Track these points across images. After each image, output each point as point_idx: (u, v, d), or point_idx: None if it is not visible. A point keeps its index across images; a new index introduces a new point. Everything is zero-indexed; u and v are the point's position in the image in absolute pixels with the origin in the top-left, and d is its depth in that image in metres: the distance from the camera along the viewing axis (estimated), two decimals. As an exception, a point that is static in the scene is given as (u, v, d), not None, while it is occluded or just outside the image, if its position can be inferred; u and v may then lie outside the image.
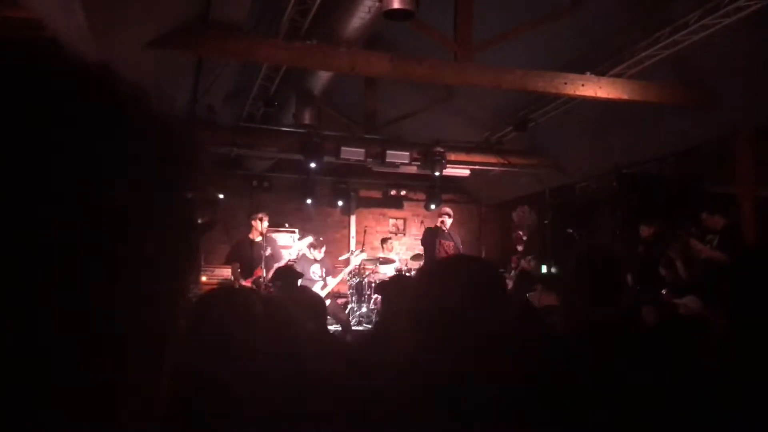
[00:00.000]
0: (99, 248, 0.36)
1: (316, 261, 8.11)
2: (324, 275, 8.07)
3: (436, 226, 8.05)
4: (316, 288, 7.72)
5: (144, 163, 0.39)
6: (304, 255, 8.14)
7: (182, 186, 0.42)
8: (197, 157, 0.44)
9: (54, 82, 0.37)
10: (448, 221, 7.99)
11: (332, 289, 8.20)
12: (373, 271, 9.26)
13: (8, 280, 0.33)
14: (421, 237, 8.48)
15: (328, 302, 7.73)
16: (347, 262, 9.15)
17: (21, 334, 0.33)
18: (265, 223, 7.61)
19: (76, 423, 0.36)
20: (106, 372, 0.37)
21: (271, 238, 7.82)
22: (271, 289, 6.62)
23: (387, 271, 9.16)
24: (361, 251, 9.10)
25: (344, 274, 8.58)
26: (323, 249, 8.23)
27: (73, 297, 0.35)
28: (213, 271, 9.58)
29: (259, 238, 7.51)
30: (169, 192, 0.41)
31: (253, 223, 7.61)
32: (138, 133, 0.40)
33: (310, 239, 8.19)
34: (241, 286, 7.31)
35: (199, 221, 0.45)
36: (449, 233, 7.99)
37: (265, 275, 7.25)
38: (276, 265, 7.29)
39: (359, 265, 9.07)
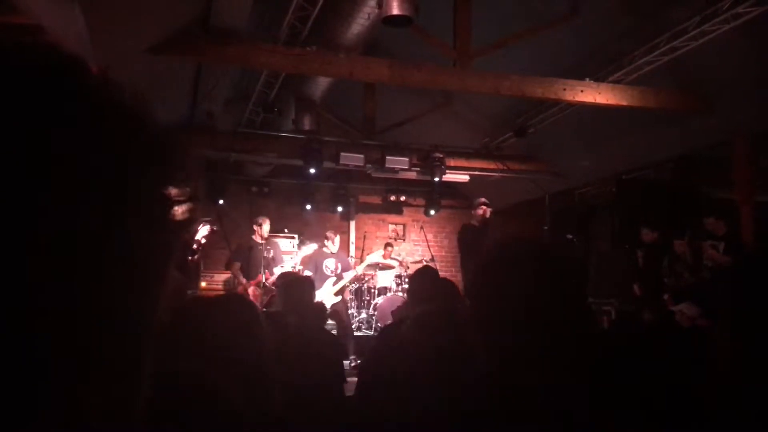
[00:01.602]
0: (74, 246, 0.36)
1: (332, 255, 8.03)
2: (337, 270, 7.95)
3: (476, 224, 6.96)
4: (328, 283, 7.63)
5: (117, 161, 0.39)
6: (319, 249, 8.02)
7: (157, 183, 0.43)
8: (176, 153, 0.44)
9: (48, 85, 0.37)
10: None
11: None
12: (372, 277, 9.25)
13: None
14: (459, 236, 7.25)
15: (338, 299, 7.68)
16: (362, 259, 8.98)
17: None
18: (266, 227, 7.60)
19: (46, 421, 0.35)
20: (78, 370, 0.37)
21: (274, 241, 7.81)
22: (274, 293, 6.61)
23: (386, 278, 9.15)
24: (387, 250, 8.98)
25: (362, 268, 8.40)
26: (337, 239, 8.14)
27: (49, 293, 0.35)
28: (212, 277, 9.59)
29: (261, 242, 7.52)
30: (144, 189, 0.41)
31: (255, 227, 7.61)
32: (112, 131, 0.40)
33: (314, 246, 8.13)
34: (241, 285, 7.33)
35: (179, 219, 0.45)
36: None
37: (264, 279, 7.24)
38: (278, 269, 7.29)
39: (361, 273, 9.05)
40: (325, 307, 5.52)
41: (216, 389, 0.99)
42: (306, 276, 5.94)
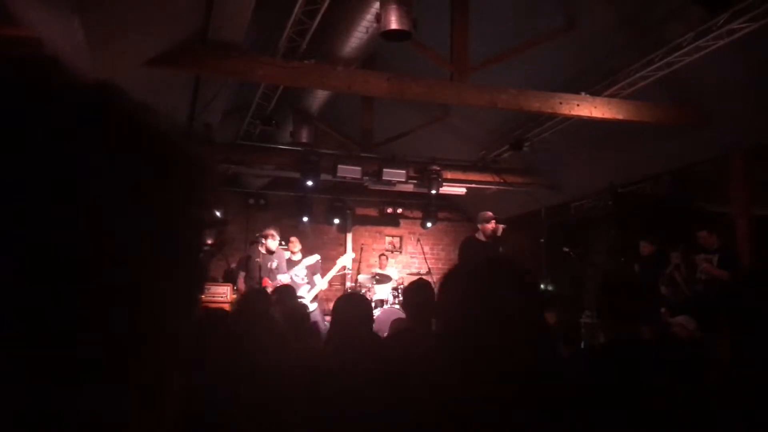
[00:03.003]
0: (107, 271, 0.36)
1: (298, 262, 7.94)
2: (308, 277, 7.86)
3: (481, 239, 6.44)
4: (302, 291, 7.55)
5: (150, 185, 0.39)
6: (282, 259, 7.77)
7: (191, 206, 0.42)
8: (207, 176, 0.44)
9: (55, 101, 0.37)
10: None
11: (321, 295, 7.90)
12: (369, 290, 9.22)
13: (32, 297, 0.34)
14: (461, 250, 6.70)
15: (315, 306, 7.64)
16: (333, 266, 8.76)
17: (38, 342, 0.34)
18: (273, 243, 7.51)
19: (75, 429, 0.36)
20: (118, 388, 0.38)
21: (280, 253, 7.75)
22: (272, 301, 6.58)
23: (383, 291, 9.12)
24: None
25: (333, 272, 8.30)
26: (298, 247, 8.06)
27: (85, 313, 0.36)
28: (209, 290, 9.54)
29: (264, 252, 7.49)
30: (178, 212, 0.41)
31: (262, 241, 7.53)
32: (143, 152, 0.40)
33: (317, 257, 8.09)
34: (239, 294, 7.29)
35: (208, 243, 0.45)
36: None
37: (265, 285, 7.21)
38: (277, 280, 7.25)
39: (356, 284, 9.02)
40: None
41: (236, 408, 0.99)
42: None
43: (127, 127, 0.39)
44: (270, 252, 7.45)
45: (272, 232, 7.55)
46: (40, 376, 0.34)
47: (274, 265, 7.42)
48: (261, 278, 7.23)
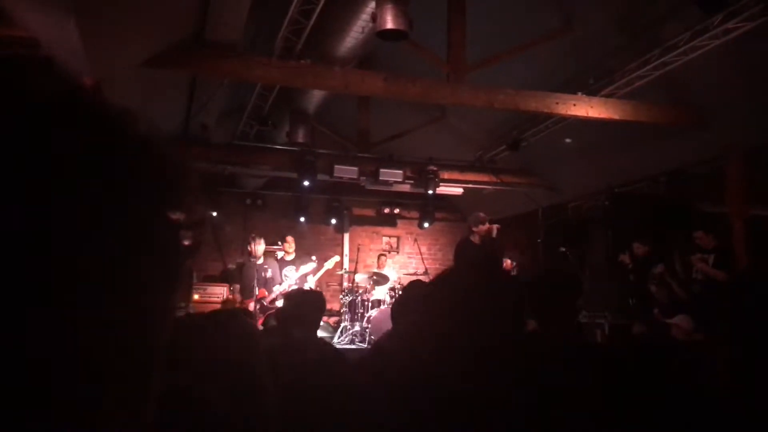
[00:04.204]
0: (84, 270, 0.36)
1: (291, 262, 7.94)
2: (300, 279, 7.86)
3: (476, 241, 6.35)
4: None
5: (127, 185, 0.39)
6: (276, 267, 7.76)
7: (167, 207, 0.42)
8: (183, 178, 0.44)
9: (28, 102, 0.37)
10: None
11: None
12: (366, 290, 9.22)
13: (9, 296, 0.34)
14: (457, 253, 6.58)
15: None
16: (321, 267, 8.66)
17: (15, 344, 0.34)
18: (260, 247, 7.52)
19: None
20: (95, 388, 0.37)
21: (273, 261, 7.74)
22: (272, 311, 6.56)
23: (380, 291, 9.12)
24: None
25: (320, 273, 8.30)
26: (292, 248, 8.07)
27: (63, 315, 0.35)
28: (205, 290, 9.53)
29: (260, 261, 7.47)
30: (154, 214, 0.41)
31: (250, 244, 7.54)
32: (118, 154, 0.40)
33: (312, 265, 8.07)
34: (241, 306, 7.27)
35: (186, 243, 0.45)
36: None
37: (260, 296, 7.20)
38: (277, 288, 7.24)
39: (354, 284, 9.01)
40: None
41: (209, 406, 0.98)
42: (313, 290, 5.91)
43: (102, 128, 0.39)
44: (255, 256, 7.42)
45: (254, 236, 7.57)
46: (15, 379, 0.34)
47: (269, 274, 7.40)
48: (257, 288, 7.22)
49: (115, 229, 0.38)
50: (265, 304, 7.13)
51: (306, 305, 3.46)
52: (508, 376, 1.22)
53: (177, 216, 0.43)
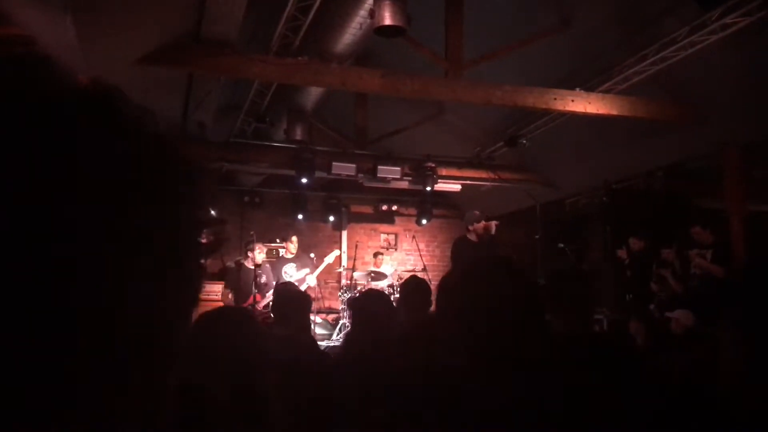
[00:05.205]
0: (106, 271, 0.36)
1: (291, 260, 7.93)
2: (299, 274, 7.87)
3: (473, 239, 6.30)
4: None
5: (147, 185, 0.39)
6: (269, 272, 7.75)
7: (189, 208, 0.43)
8: (202, 178, 0.45)
9: (53, 101, 0.37)
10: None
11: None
12: (364, 288, 9.22)
13: (31, 294, 0.34)
14: (454, 251, 6.48)
15: None
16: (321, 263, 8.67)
17: (39, 340, 0.34)
18: (261, 255, 7.50)
19: (77, 424, 0.36)
20: (117, 387, 0.38)
21: (266, 266, 7.73)
22: (266, 316, 6.54)
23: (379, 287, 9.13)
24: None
25: (319, 270, 8.31)
26: (294, 248, 8.07)
27: (84, 311, 0.36)
28: (204, 288, 9.50)
29: (251, 267, 7.45)
30: (177, 214, 0.41)
31: (248, 253, 7.52)
32: (140, 153, 0.40)
33: (306, 271, 8.04)
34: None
35: (204, 241, 0.45)
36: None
37: (254, 302, 7.18)
38: (269, 294, 7.21)
39: (352, 281, 9.00)
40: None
41: (214, 401, 0.98)
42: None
43: (125, 128, 0.40)
44: (257, 265, 7.41)
45: (260, 245, 7.56)
46: (41, 376, 0.34)
47: (263, 280, 7.39)
48: (253, 293, 7.21)
49: (137, 228, 0.38)
50: (257, 308, 7.11)
51: (288, 302, 3.49)
52: (541, 377, 1.22)
53: (198, 215, 0.44)
